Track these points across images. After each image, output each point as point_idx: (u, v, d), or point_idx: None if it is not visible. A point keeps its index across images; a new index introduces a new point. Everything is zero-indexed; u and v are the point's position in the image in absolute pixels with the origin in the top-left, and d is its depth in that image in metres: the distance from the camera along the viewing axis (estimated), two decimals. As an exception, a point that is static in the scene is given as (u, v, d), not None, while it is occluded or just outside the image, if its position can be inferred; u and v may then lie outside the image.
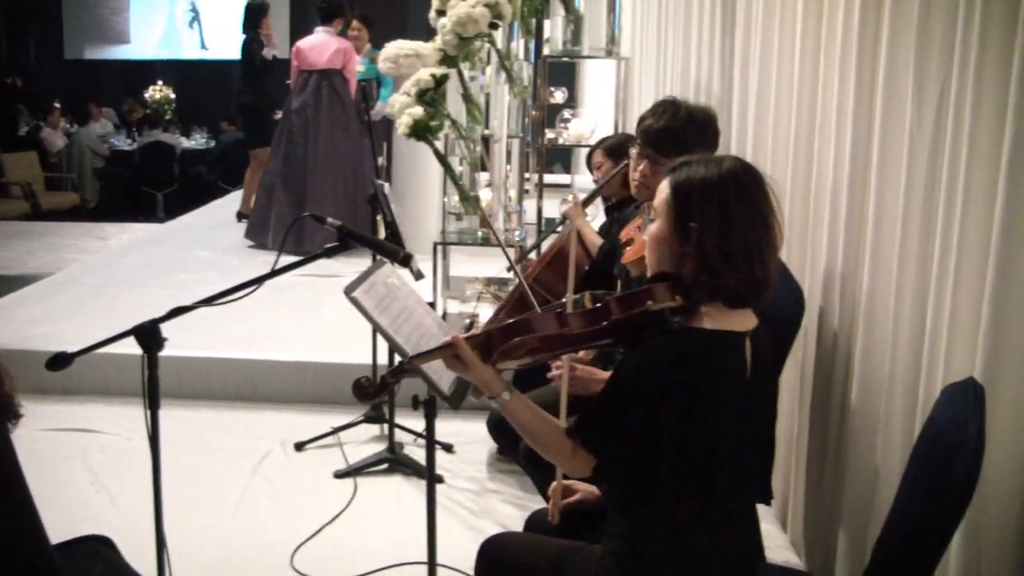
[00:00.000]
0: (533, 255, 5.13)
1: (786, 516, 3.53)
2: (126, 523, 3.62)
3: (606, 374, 2.74)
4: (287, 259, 2.53)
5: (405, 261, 2.44)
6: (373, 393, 2.14)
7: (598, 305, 2.09)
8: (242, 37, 8.84)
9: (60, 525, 3.68)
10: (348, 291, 2.52)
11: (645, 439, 1.97)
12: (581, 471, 2.12)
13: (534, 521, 2.55)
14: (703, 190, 2.00)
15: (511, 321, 2.11)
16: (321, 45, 7.81)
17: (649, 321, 2.00)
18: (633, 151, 3.17)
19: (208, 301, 2.41)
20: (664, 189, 2.07)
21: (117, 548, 2.49)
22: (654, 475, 2.00)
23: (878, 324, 2.72)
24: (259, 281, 2.40)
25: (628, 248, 3.00)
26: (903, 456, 2.56)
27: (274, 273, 2.39)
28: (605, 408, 2.05)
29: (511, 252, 4.37)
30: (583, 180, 8.76)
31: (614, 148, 4.14)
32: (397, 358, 2.70)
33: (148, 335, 2.45)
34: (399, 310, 2.65)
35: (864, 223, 2.79)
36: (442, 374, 2.60)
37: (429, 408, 2.72)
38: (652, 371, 1.97)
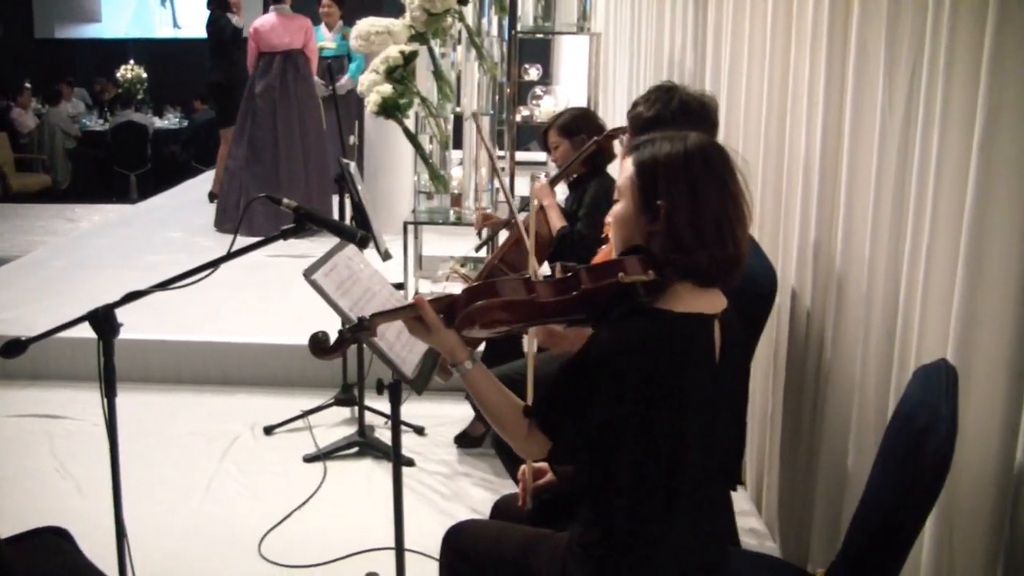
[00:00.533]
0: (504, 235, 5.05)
1: (760, 498, 3.50)
2: (92, 511, 3.58)
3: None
4: (247, 241, 2.46)
5: (363, 243, 2.37)
6: (329, 349, 2.06)
7: (568, 275, 2.03)
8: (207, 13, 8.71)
9: (25, 514, 3.66)
10: (308, 273, 2.45)
11: (607, 423, 1.92)
12: (536, 453, 2.05)
13: (501, 507, 2.49)
14: (669, 166, 1.94)
15: (477, 284, 2.05)
16: (279, 25, 7.68)
17: (619, 294, 1.95)
18: (622, 137, 3.11)
19: (163, 285, 2.34)
20: (627, 168, 2.01)
21: (74, 540, 2.42)
22: (616, 461, 1.95)
23: (851, 304, 2.68)
24: (214, 264, 2.33)
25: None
26: (876, 438, 2.51)
27: (229, 256, 2.32)
28: (566, 389, 1.97)
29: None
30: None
31: (568, 126, 4.06)
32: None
33: (102, 320, 2.37)
34: (361, 292, 2.59)
35: (836, 202, 2.75)
36: (405, 356, 2.55)
37: (394, 393, 2.66)
38: (618, 353, 1.90)
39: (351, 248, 2.70)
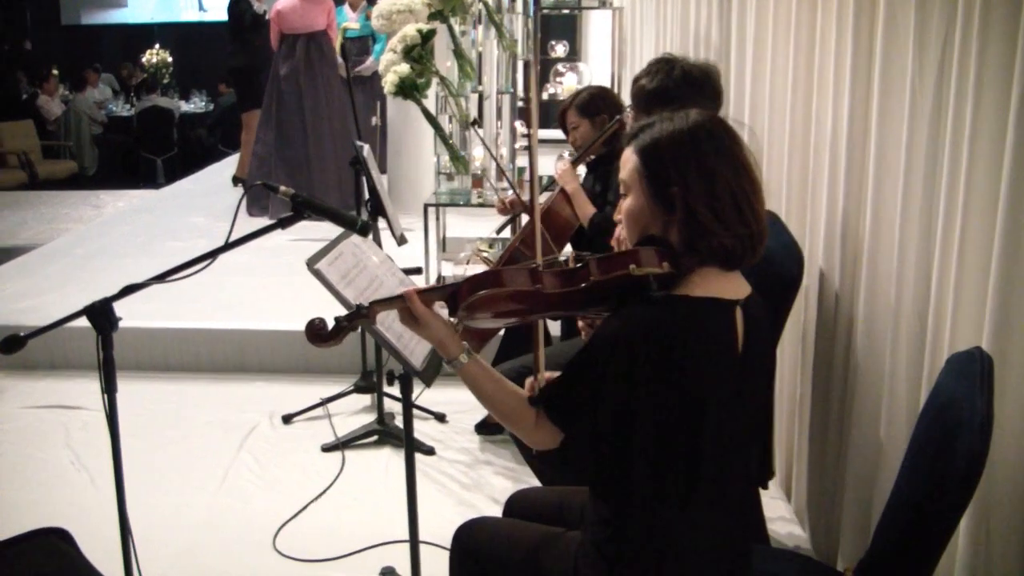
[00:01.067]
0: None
1: (789, 487, 3.38)
2: (104, 505, 3.50)
3: None
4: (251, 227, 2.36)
5: (364, 231, 2.27)
6: (327, 336, 1.99)
7: (578, 265, 1.93)
8: (230, -3, 8.61)
9: (38, 507, 3.61)
10: (311, 263, 2.36)
11: (620, 416, 1.81)
12: (546, 444, 1.95)
13: (514, 504, 2.39)
14: (675, 148, 1.84)
15: (479, 273, 1.95)
16: (301, 7, 7.55)
17: (630, 287, 1.84)
18: (629, 112, 3.02)
19: (160, 278, 2.26)
20: (630, 158, 1.90)
21: (74, 541, 2.36)
22: (631, 456, 1.84)
23: (881, 286, 2.55)
24: (212, 255, 2.24)
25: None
26: (908, 428, 2.41)
27: (226, 247, 2.23)
28: (576, 379, 1.87)
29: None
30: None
31: (587, 106, 3.93)
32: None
33: (100, 315, 2.29)
34: (367, 281, 2.50)
35: (864, 179, 2.62)
36: (414, 348, 2.46)
37: (405, 384, 2.57)
38: (629, 340, 1.78)
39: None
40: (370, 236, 2.50)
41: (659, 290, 1.82)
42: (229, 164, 10.41)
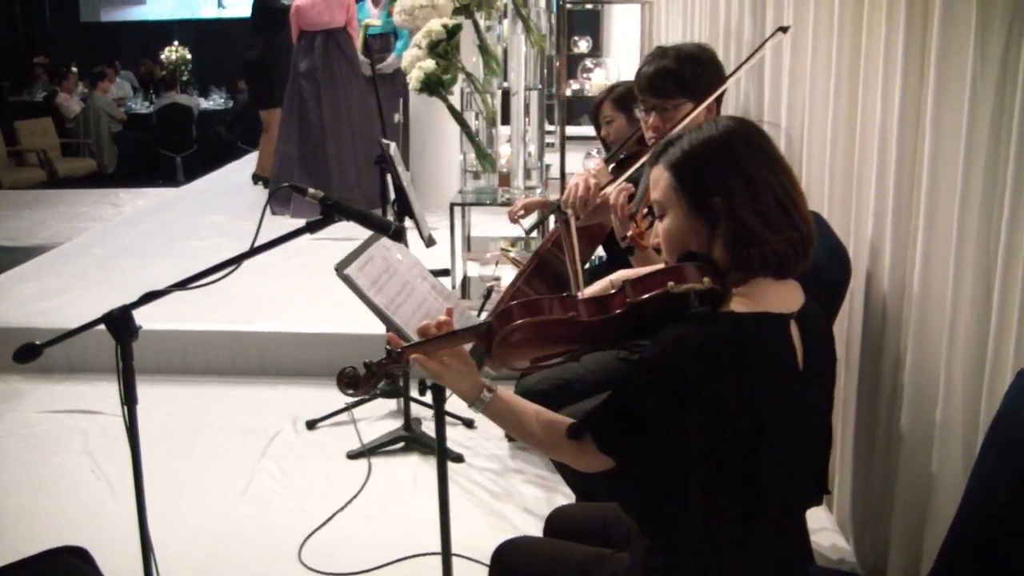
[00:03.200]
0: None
1: (832, 499, 3.25)
2: (123, 516, 3.43)
3: None
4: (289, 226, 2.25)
5: (398, 235, 2.16)
6: (360, 382, 1.90)
7: (612, 291, 1.82)
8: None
9: (57, 517, 3.51)
10: (340, 268, 2.25)
11: (671, 441, 1.69)
12: (595, 467, 1.83)
13: (554, 523, 2.27)
14: (711, 157, 1.74)
15: (509, 304, 1.85)
16: (320, 2, 7.46)
17: (672, 308, 1.72)
18: (639, 112, 3.03)
19: (182, 285, 2.15)
20: (662, 176, 1.79)
21: (93, 560, 2.26)
22: (685, 481, 1.72)
23: (935, 292, 2.41)
24: (236, 261, 2.13)
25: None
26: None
27: (252, 252, 2.12)
28: (621, 405, 1.75)
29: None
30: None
31: (624, 99, 3.81)
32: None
33: (119, 323, 2.19)
34: (398, 287, 2.38)
35: (918, 177, 2.48)
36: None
37: (437, 392, 2.46)
38: (676, 360, 1.65)
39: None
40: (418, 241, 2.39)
41: (700, 305, 1.70)
42: (248, 162, 10.32)
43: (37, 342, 2.21)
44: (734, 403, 1.66)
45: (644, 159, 2.92)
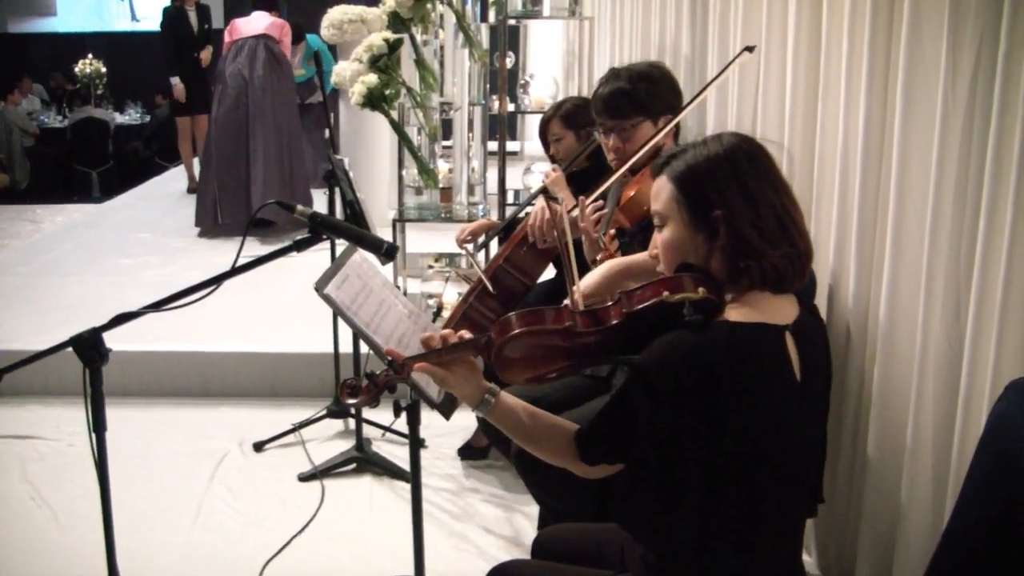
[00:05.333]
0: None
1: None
2: (71, 543, 3.35)
3: None
4: (259, 249, 2.19)
5: (391, 253, 2.12)
6: (363, 392, 1.87)
7: (609, 303, 1.84)
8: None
9: (1, 548, 3.37)
10: (319, 287, 2.20)
11: (668, 447, 1.70)
12: (597, 474, 1.86)
13: (543, 544, 2.24)
14: (714, 171, 1.78)
15: (507, 316, 1.86)
16: (256, 19, 7.43)
17: (667, 317, 1.73)
18: (598, 134, 3.05)
19: (156, 306, 2.10)
20: (665, 187, 1.83)
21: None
22: (680, 494, 1.73)
23: (902, 318, 2.42)
24: (217, 281, 2.08)
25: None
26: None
27: (235, 271, 2.07)
28: (616, 415, 1.78)
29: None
30: (532, 147, 8.45)
31: (571, 116, 3.81)
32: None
33: (88, 346, 2.11)
34: (376, 305, 2.34)
35: (884, 194, 2.48)
36: (429, 380, 2.30)
37: (412, 415, 2.41)
38: (669, 368, 1.67)
39: (359, 254, 2.44)
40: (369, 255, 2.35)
41: (694, 314, 1.71)
42: (170, 177, 10.17)
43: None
44: (730, 410, 1.67)
45: (612, 180, 2.92)
